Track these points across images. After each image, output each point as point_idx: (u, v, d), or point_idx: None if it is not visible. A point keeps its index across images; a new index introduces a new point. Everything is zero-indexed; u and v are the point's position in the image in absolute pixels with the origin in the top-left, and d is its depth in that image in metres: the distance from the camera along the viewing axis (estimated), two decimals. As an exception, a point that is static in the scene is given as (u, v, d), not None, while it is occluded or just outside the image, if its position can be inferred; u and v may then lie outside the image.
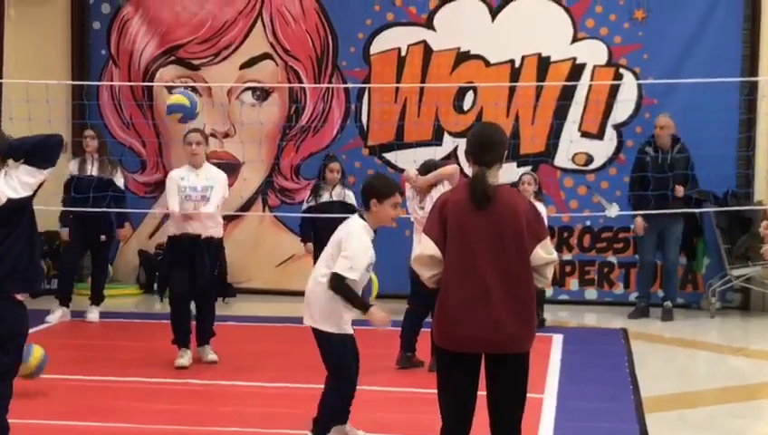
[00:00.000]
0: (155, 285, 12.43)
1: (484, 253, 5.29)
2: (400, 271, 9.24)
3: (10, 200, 5.62)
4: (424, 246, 5.41)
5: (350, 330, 6.68)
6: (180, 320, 9.27)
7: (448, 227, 5.35)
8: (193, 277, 9.15)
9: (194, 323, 9.44)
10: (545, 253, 5.37)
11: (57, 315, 11.29)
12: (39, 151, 5.71)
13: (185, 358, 9.13)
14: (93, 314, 11.50)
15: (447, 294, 5.36)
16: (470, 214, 5.34)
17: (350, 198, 11.38)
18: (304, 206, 11.65)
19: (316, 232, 11.18)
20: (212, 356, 9.32)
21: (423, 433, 6.50)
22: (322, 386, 6.71)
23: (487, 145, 5.50)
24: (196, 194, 9.14)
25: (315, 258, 11.04)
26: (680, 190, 11.92)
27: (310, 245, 11.39)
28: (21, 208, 5.68)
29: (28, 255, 5.73)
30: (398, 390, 8.62)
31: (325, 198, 11.37)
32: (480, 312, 5.27)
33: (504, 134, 5.66)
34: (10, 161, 5.74)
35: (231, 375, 8.90)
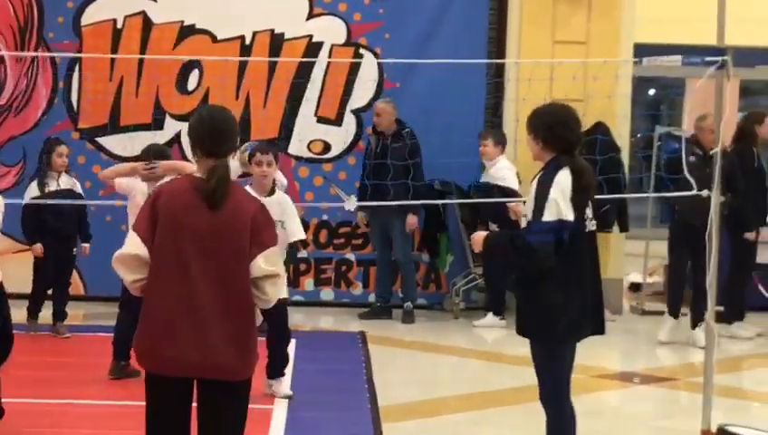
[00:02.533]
0: None
1: (200, 260, 5.00)
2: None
3: None
4: (128, 244, 5.09)
5: None
6: None
7: (159, 225, 5.04)
8: None
9: None
10: (266, 264, 5.08)
11: None
12: None
13: None
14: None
15: (150, 306, 5.04)
16: (189, 212, 5.04)
17: (78, 186, 11.12)
18: (25, 198, 10.90)
19: (46, 227, 10.84)
20: None
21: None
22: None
23: (221, 133, 5.23)
24: None
25: (49, 257, 10.94)
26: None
27: (38, 246, 10.87)
28: None
29: None
30: (110, 403, 8.42)
31: (53, 186, 10.89)
32: (186, 330, 4.96)
33: (235, 120, 5.42)
34: None
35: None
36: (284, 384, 8.82)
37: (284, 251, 8.23)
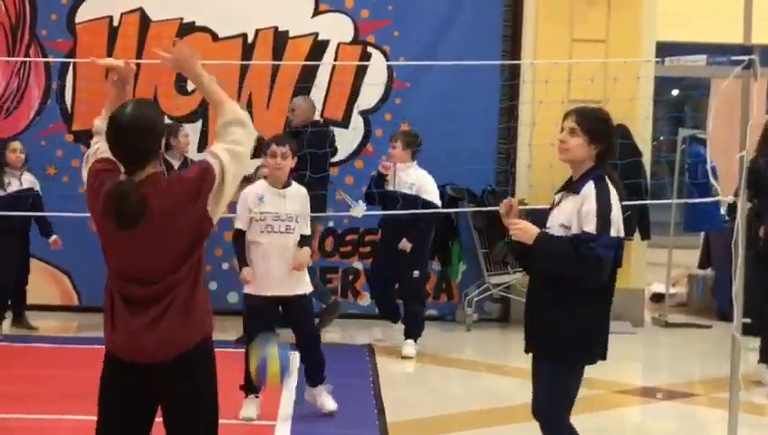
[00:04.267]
0: None
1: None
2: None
3: None
4: None
5: None
6: None
7: None
8: None
9: None
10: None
11: None
12: None
13: None
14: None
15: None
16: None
17: (37, 185, 11.81)
18: None
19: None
20: None
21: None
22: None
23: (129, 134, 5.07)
24: None
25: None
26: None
27: None
28: None
29: None
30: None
31: (15, 186, 11.46)
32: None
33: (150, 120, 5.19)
34: None
35: None
36: (326, 395, 8.75)
37: (296, 247, 8.55)
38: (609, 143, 6.19)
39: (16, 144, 11.82)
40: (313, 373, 8.73)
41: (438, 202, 11.42)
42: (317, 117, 12.59)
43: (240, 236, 8.60)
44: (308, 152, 11.71)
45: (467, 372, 11.12)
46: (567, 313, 6.03)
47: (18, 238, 11.79)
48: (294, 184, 8.76)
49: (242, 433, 8.17)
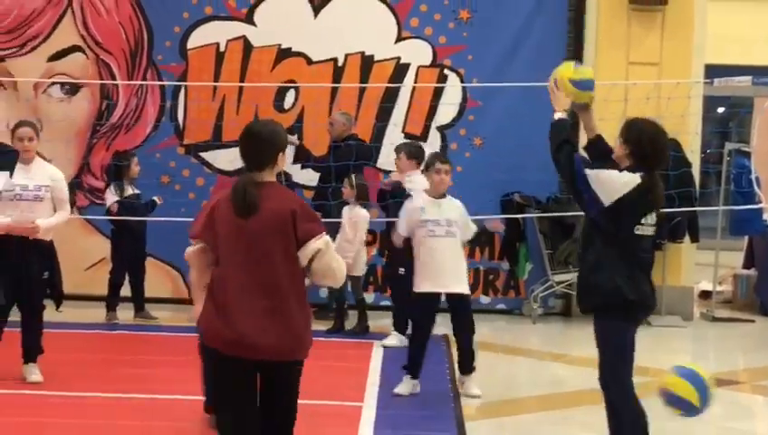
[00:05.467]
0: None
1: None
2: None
3: None
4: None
5: None
6: None
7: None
8: (21, 284, 8.70)
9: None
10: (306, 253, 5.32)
11: None
12: None
13: None
14: None
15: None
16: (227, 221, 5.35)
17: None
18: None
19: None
20: (36, 377, 8.79)
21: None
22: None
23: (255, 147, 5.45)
24: (29, 193, 8.71)
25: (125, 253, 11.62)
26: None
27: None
28: None
29: None
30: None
31: (129, 192, 11.99)
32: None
33: (275, 133, 5.51)
34: None
35: (58, 385, 8.73)
36: (473, 383, 9.01)
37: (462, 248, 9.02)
38: (640, 148, 6.26)
39: (136, 158, 12.09)
40: (466, 362, 9.03)
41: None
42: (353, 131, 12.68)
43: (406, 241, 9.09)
44: (342, 164, 12.06)
45: (533, 360, 11.09)
46: (600, 273, 6.23)
47: (133, 239, 11.93)
48: (449, 197, 9.00)
49: (332, 413, 8.22)
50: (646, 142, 6.27)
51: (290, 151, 13.08)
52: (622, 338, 6.32)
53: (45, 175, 8.89)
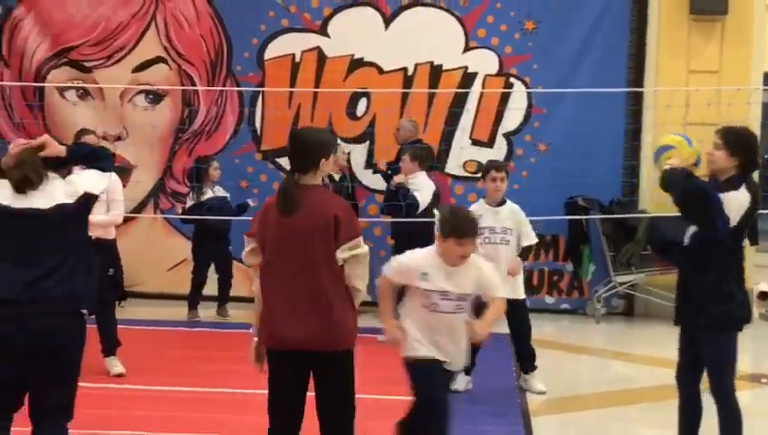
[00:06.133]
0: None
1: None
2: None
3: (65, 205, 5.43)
4: None
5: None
6: None
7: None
8: None
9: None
10: (342, 254, 5.38)
11: None
12: (99, 156, 5.74)
13: None
14: None
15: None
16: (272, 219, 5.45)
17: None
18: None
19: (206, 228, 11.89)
20: (119, 369, 8.91)
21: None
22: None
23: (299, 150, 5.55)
24: None
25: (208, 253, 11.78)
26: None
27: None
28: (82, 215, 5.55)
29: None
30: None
31: (208, 195, 12.01)
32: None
33: (320, 140, 5.61)
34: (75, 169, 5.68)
35: (138, 379, 8.78)
36: (536, 380, 8.94)
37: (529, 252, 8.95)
38: (750, 156, 6.21)
39: (216, 162, 12.13)
40: (526, 362, 8.98)
41: (420, 203, 10.93)
42: (419, 135, 12.56)
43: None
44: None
45: (596, 358, 10.99)
46: (725, 290, 6.23)
47: (215, 239, 11.92)
48: (509, 202, 8.85)
49: (400, 408, 8.16)
50: (754, 152, 6.27)
51: (362, 158, 13.12)
52: (736, 348, 6.34)
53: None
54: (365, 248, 5.44)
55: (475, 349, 8.62)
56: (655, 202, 12.46)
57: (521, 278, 8.89)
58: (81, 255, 5.47)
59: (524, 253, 8.87)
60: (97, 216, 8.70)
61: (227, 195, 12.14)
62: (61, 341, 5.32)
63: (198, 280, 12.08)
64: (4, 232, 5.33)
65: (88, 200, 5.52)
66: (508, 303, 8.57)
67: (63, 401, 5.45)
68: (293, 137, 5.65)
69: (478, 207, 8.71)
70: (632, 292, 12.87)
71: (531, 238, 8.85)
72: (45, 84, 13.38)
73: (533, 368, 9.01)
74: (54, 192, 5.40)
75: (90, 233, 8.26)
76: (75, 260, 5.39)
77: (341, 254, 5.36)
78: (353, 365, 5.51)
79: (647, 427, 8.10)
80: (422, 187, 11.05)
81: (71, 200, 5.43)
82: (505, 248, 8.68)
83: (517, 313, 8.70)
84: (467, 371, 8.73)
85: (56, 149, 5.57)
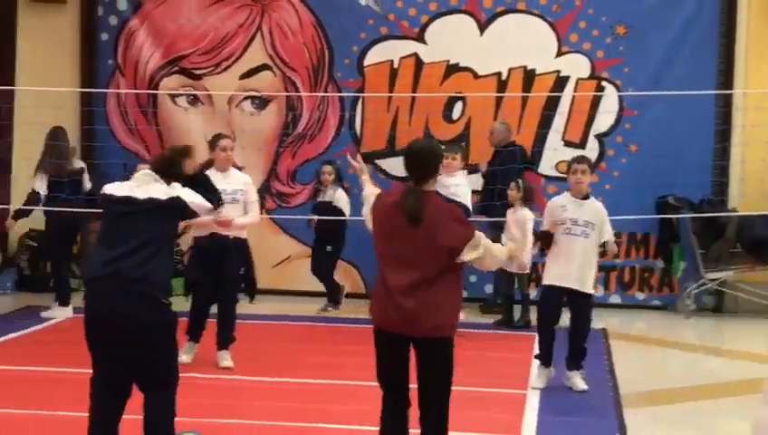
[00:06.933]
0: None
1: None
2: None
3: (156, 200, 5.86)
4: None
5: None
6: (200, 316, 9.15)
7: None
8: (220, 279, 9.07)
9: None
10: (467, 256, 5.62)
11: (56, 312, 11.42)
12: (212, 192, 6.32)
13: (189, 354, 9.04)
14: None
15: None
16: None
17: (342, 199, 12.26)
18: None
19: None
20: (227, 362, 9.10)
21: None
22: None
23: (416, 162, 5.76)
24: (227, 197, 9.00)
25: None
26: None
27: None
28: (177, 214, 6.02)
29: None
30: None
31: (321, 198, 12.31)
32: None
33: (434, 151, 5.85)
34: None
35: (249, 371, 9.00)
36: (579, 378, 8.73)
37: (597, 251, 8.72)
38: None
39: (327, 167, 12.31)
40: (575, 359, 8.77)
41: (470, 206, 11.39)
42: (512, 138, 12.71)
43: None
44: (501, 168, 12.18)
45: (687, 353, 10.95)
46: None
47: (331, 239, 12.24)
48: (592, 198, 8.77)
49: (499, 400, 8.29)
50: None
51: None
52: None
53: (240, 181, 9.23)
54: (482, 245, 5.67)
55: (547, 338, 8.76)
56: (744, 201, 12.40)
57: (592, 273, 8.75)
58: (162, 246, 5.83)
59: (603, 248, 8.77)
60: (240, 217, 9.05)
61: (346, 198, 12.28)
62: (137, 320, 5.64)
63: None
64: (107, 217, 5.94)
65: (178, 203, 5.94)
66: (575, 293, 8.62)
67: (157, 375, 5.78)
68: (412, 151, 5.83)
69: (563, 199, 8.75)
70: (722, 289, 12.81)
71: (609, 234, 8.75)
72: (158, 92, 13.73)
73: (580, 367, 8.77)
74: (153, 190, 5.90)
75: (228, 232, 8.68)
76: (155, 249, 5.76)
77: (466, 257, 5.60)
78: (451, 352, 5.73)
79: (737, 419, 8.08)
80: (458, 189, 11.37)
81: (163, 197, 5.87)
82: (584, 241, 8.57)
83: (582, 305, 8.67)
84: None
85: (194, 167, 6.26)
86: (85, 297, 5.90)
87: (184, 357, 8.70)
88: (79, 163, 11.83)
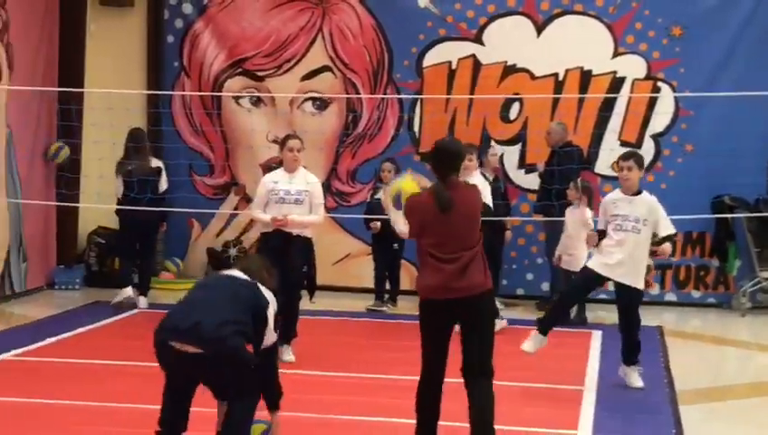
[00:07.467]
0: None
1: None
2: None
3: None
4: None
5: None
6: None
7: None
8: (284, 274, 9.12)
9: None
10: None
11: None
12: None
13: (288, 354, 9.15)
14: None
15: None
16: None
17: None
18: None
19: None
20: (290, 357, 9.16)
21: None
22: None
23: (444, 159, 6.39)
24: (290, 197, 9.18)
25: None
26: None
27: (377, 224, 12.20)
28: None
29: None
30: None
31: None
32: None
33: (458, 149, 6.51)
34: None
35: (309, 365, 9.06)
36: (636, 374, 8.66)
37: (648, 246, 8.58)
38: None
39: (387, 165, 12.19)
40: (629, 354, 8.68)
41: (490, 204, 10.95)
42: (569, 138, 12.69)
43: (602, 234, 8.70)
44: (559, 168, 12.22)
45: (742, 350, 10.90)
46: None
47: (391, 237, 12.18)
48: (645, 193, 8.63)
49: (555, 396, 8.29)
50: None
51: (515, 159, 13.29)
52: None
53: (305, 181, 9.30)
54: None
55: (560, 311, 8.94)
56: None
57: (642, 268, 8.60)
58: None
59: (665, 242, 8.65)
60: (305, 216, 9.13)
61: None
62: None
63: (378, 275, 12.55)
64: None
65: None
66: (623, 290, 8.56)
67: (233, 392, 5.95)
68: (439, 148, 6.48)
69: (615, 196, 8.70)
70: (778, 287, 12.72)
71: (669, 229, 8.58)
72: (222, 94, 13.89)
73: (636, 362, 8.69)
74: None
75: (290, 230, 8.78)
76: None
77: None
78: (493, 303, 6.57)
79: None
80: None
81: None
82: (635, 237, 8.44)
83: (632, 303, 8.58)
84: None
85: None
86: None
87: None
88: (156, 162, 12.03)
